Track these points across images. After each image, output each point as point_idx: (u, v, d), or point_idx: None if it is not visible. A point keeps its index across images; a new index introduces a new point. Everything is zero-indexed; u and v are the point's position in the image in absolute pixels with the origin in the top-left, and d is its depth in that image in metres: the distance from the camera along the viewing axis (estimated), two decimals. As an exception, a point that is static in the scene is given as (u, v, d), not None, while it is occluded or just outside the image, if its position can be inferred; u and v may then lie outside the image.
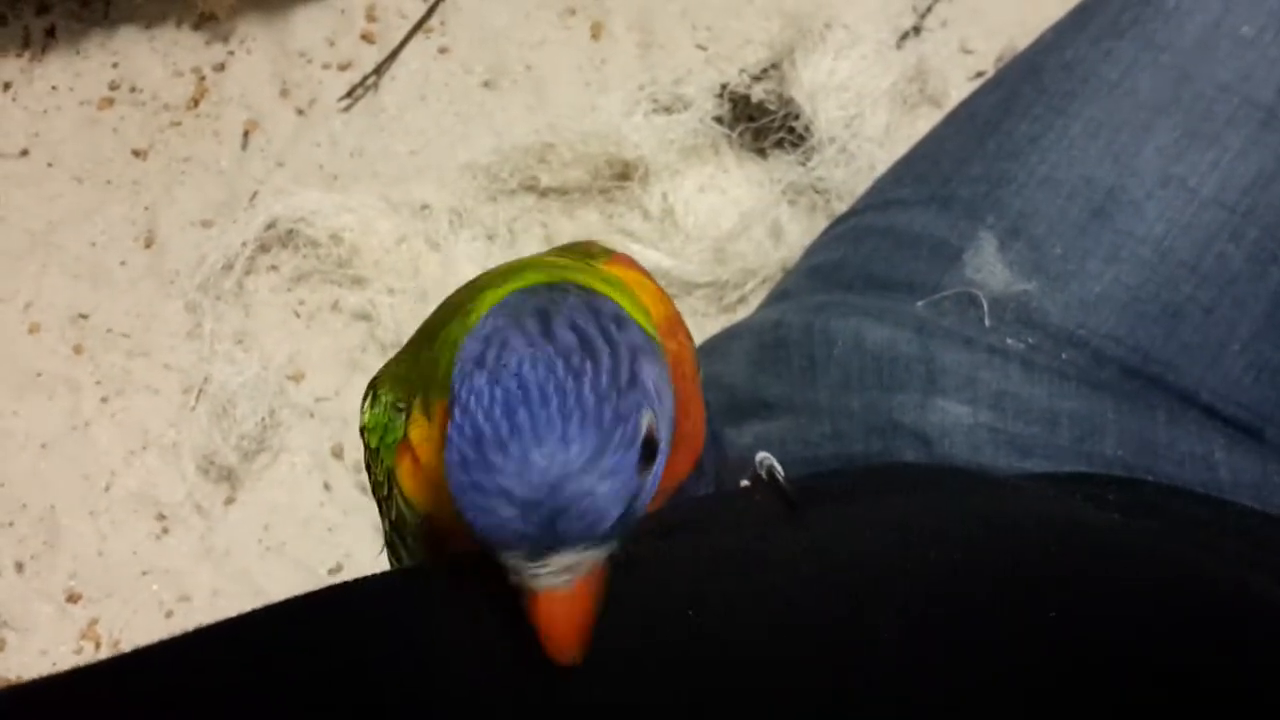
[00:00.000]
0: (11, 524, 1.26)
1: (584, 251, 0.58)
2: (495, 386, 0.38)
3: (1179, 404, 0.72)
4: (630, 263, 0.58)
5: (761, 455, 0.57)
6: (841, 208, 1.18)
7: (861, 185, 1.15)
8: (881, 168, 0.99)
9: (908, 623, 0.44)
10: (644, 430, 0.39)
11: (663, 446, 0.41)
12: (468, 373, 0.39)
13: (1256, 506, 0.68)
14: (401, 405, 0.53)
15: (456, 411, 0.38)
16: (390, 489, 0.53)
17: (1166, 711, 0.41)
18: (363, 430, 0.56)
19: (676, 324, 0.55)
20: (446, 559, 0.50)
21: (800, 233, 1.25)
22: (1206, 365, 0.72)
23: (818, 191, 1.26)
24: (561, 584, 0.38)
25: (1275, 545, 0.62)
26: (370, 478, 0.57)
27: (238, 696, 0.40)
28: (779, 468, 0.57)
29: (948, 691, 0.41)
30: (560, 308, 0.41)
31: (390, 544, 0.59)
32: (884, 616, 0.44)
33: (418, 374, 0.52)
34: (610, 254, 0.58)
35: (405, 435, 0.51)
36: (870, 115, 1.25)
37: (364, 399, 0.56)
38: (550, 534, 0.37)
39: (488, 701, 0.41)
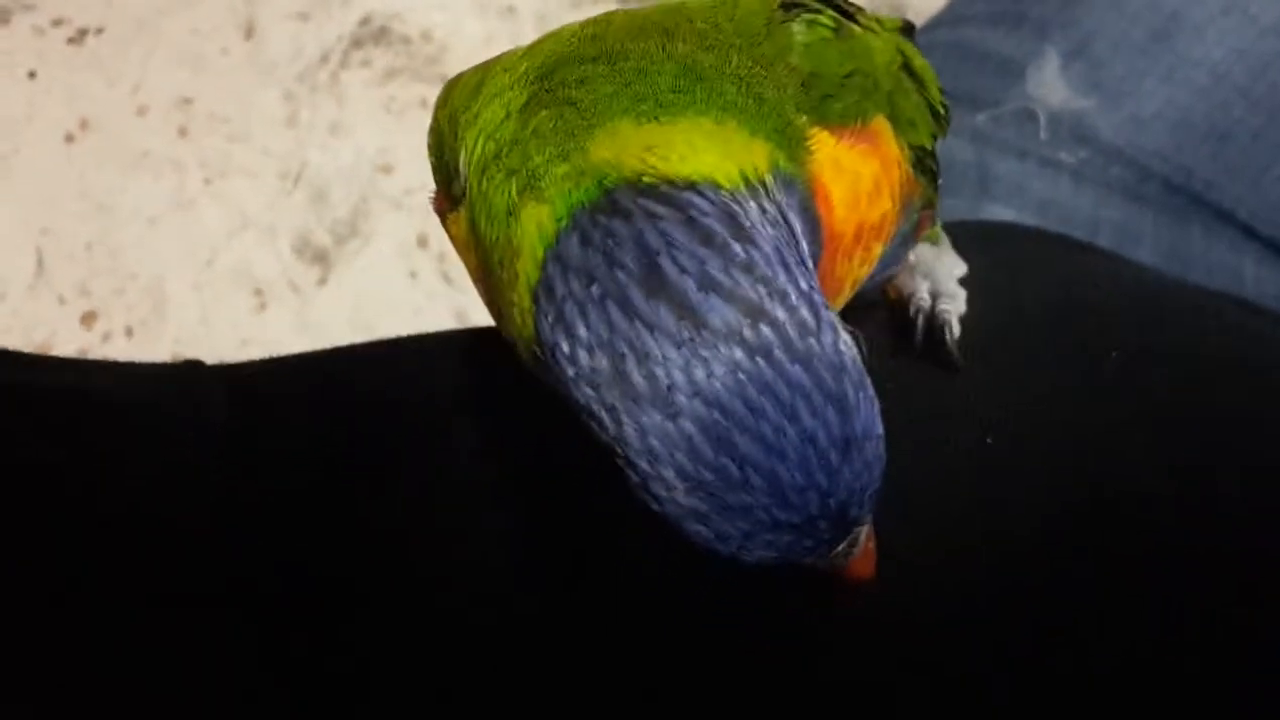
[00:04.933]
0: (123, 291, 1.36)
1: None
2: (681, 421, 0.29)
3: (1216, 220, 0.77)
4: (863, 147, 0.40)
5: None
6: (919, 25, 1.20)
7: (940, 3, 1.17)
8: (960, -14, 1.01)
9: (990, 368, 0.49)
10: (858, 355, 0.32)
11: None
12: (619, 411, 0.30)
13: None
14: (453, 158, 0.40)
15: (645, 466, 0.30)
16: None
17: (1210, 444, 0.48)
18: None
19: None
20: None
21: (876, 50, 1.27)
22: (1247, 186, 0.76)
23: (895, 8, 1.28)
24: (859, 551, 0.34)
25: None
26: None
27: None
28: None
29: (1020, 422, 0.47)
30: (663, 253, 0.30)
31: None
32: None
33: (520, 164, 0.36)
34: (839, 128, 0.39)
35: (444, 220, 0.43)
36: (953, -67, 1.25)
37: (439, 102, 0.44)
38: (844, 530, 0.32)
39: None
